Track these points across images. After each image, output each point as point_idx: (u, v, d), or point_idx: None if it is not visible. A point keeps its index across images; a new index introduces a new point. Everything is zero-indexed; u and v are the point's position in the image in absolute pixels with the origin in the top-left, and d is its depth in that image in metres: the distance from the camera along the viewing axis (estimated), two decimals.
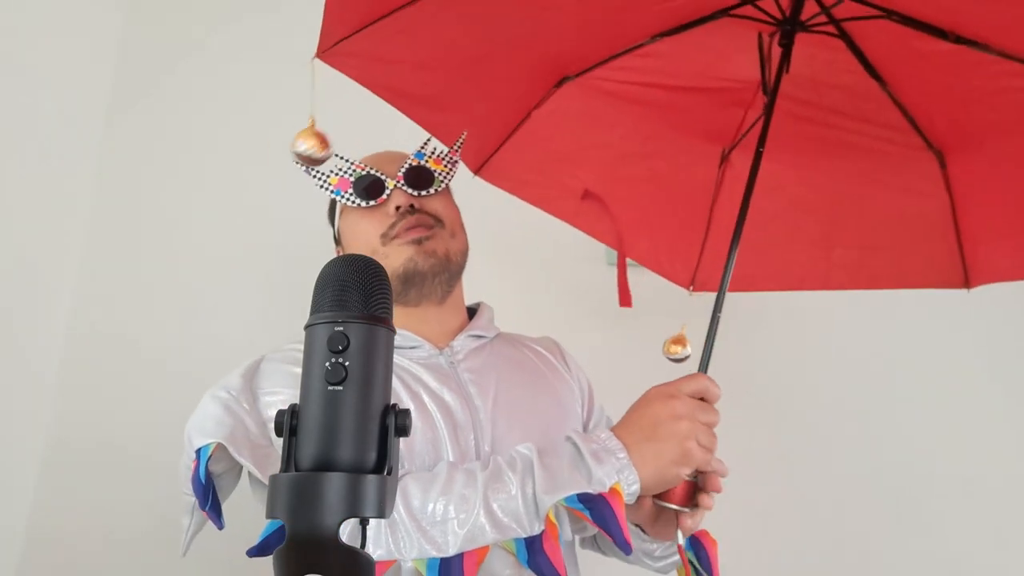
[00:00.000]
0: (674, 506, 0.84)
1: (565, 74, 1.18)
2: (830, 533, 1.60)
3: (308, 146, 0.91)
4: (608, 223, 1.27)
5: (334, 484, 0.44)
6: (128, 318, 1.67)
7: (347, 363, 0.47)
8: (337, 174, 0.98)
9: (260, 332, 1.54)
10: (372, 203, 0.97)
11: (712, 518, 0.87)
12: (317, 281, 0.50)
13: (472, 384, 0.94)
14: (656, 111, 1.18)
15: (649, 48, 1.09)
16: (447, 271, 0.99)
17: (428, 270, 0.96)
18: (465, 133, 1.06)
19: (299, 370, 0.84)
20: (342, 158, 0.99)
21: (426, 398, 0.90)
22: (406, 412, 0.48)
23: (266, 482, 0.78)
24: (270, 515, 0.45)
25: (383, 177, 0.98)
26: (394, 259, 0.96)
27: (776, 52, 0.98)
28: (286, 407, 0.61)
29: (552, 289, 1.69)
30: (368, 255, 0.90)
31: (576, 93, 1.20)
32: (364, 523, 0.49)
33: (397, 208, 0.97)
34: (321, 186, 0.99)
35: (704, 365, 0.88)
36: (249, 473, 0.81)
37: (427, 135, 1.07)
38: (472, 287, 1.10)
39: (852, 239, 1.23)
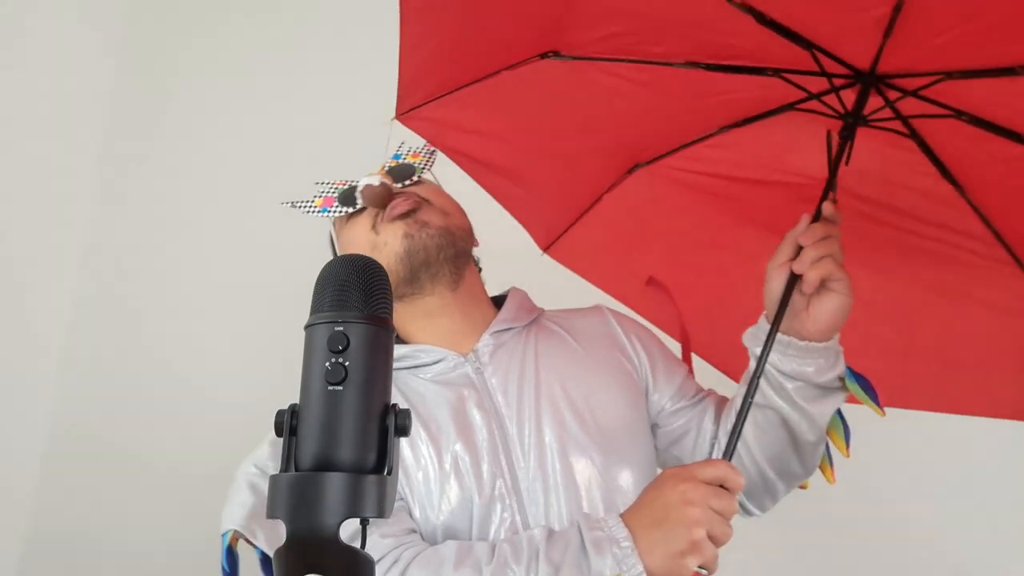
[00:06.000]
0: None
1: (637, 161, 1.21)
2: (829, 531, 1.57)
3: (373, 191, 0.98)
4: (671, 311, 1.26)
5: (334, 484, 0.45)
6: (127, 329, 1.78)
7: (347, 363, 0.47)
8: (320, 196, 1.01)
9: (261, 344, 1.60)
10: (358, 206, 0.98)
11: None
12: (317, 281, 0.51)
13: (499, 392, 0.92)
14: (726, 202, 1.19)
15: (717, 139, 1.11)
16: (452, 245, 0.94)
17: (428, 242, 0.92)
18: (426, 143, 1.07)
19: None
20: (323, 183, 1.03)
21: (451, 431, 0.88)
22: (406, 412, 0.48)
23: None
24: (270, 515, 0.45)
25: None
26: (391, 242, 0.93)
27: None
28: None
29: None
30: (368, 253, 0.94)
31: (647, 179, 1.23)
32: (364, 523, 0.49)
33: None
34: (307, 211, 1.01)
35: (729, 453, 0.84)
36: None
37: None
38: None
39: (933, 353, 1.15)
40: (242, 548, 0.81)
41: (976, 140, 0.91)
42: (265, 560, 0.81)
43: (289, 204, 1.03)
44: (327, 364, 0.47)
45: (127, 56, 1.98)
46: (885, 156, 1.03)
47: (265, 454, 0.89)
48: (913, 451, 1.56)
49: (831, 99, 0.93)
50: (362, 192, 0.96)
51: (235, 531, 0.80)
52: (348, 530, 0.45)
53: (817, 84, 0.93)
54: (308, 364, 0.48)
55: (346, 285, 0.49)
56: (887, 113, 0.92)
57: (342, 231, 1.02)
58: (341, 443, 0.46)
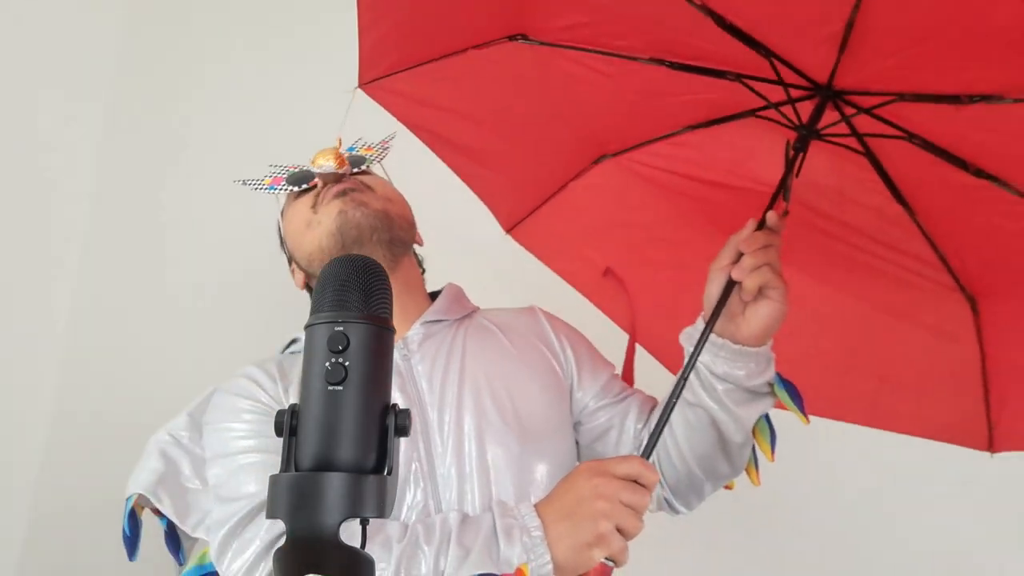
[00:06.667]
0: None
1: (604, 151, 1.22)
2: (829, 531, 1.59)
3: (329, 164, 0.99)
4: (624, 304, 1.27)
5: (334, 484, 0.45)
6: (126, 325, 1.78)
7: (347, 363, 0.47)
8: (270, 176, 1.03)
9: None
10: (304, 186, 1.00)
11: None
12: (317, 281, 0.51)
13: (424, 379, 0.93)
14: (687, 201, 1.20)
15: (682, 138, 1.12)
16: (387, 229, 0.95)
17: (363, 221, 0.93)
18: (395, 133, 1.08)
19: (245, 403, 0.89)
20: (276, 165, 1.05)
21: None
22: (406, 412, 0.49)
23: (187, 530, 0.82)
24: (271, 515, 0.46)
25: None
26: (326, 220, 0.94)
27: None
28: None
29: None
30: (303, 230, 0.96)
31: (613, 171, 1.23)
32: (364, 523, 0.50)
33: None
34: (256, 188, 1.03)
35: (649, 449, 0.85)
36: None
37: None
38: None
39: (871, 367, 1.17)
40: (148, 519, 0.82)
41: (927, 164, 0.92)
42: (170, 531, 0.82)
43: (241, 182, 1.05)
44: (327, 364, 0.47)
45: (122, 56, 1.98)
46: (843, 172, 1.04)
47: (181, 424, 0.90)
48: (908, 449, 1.52)
49: (788, 110, 0.93)
50: (320, 176, 0.98)
51: (140, 496, 0.81)
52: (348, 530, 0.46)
53: (777, 93, 0.94)
54: (308, 364, 0.48)
55: (346, 285, 0.49)
56: (843, 128, 0.93)
57: (287, 210, 1.04)
58: (341, 443, 0.46)
